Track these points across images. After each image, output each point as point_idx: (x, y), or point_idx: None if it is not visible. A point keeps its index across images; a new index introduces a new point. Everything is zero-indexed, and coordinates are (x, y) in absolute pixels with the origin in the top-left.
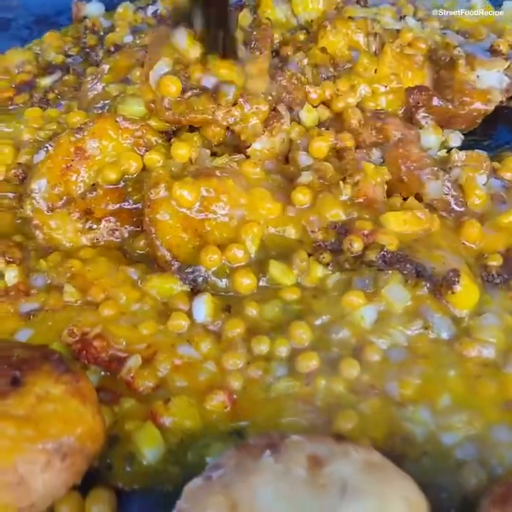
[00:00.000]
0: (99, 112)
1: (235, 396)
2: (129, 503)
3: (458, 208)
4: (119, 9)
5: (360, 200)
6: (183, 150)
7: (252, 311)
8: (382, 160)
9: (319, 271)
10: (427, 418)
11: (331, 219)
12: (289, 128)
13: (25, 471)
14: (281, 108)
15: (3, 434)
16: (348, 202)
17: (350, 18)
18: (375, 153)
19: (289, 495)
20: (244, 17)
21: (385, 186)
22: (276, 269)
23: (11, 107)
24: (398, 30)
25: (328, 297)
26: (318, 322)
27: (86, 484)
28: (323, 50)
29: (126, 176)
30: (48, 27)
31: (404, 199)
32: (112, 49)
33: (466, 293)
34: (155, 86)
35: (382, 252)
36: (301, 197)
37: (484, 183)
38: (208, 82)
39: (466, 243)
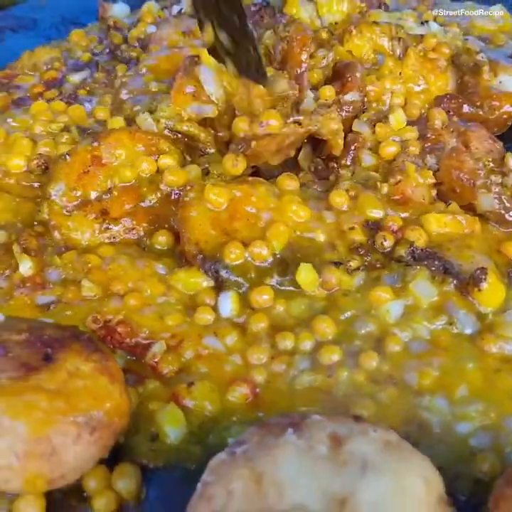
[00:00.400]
0: (134, 109)
1: (257, 389)
2: (153, 478)
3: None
4: (144, 7)
5: (397, 197)
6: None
7: (279, 308)
8: (436, 166)
9: (346, 278)
10: (443, 407)
11: (367, 217)
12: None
13: (57, 442)
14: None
15: (37, 406)
16: (384, 198)
17: (374, 22)
18: (430, 160)
19: (311, 470)
20: (269, 38)
21: (433, 192)
22: (303, 275)
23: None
24: (422, 36)
25: (355, 293)
26: (343, 317)
27: (112, 459)
28: (349, 52)
29: (140, 175)
30: (74, 27)
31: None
32: (137, 44)
33: (492, 291)
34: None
35: (412, 248)
36: (339, 199)
37: None
38: None
39: (503, 251)
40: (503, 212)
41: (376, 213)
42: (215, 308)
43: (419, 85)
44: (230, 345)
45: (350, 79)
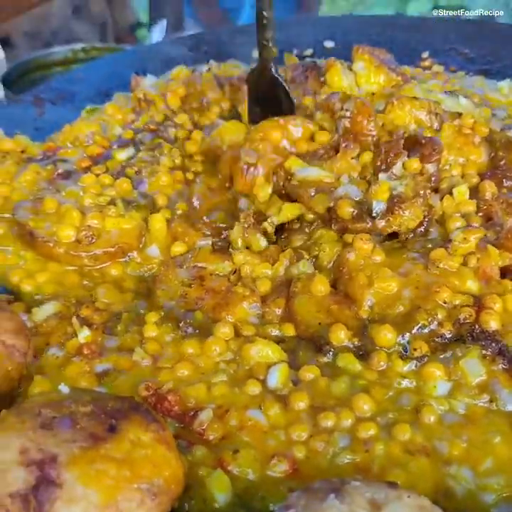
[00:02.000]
0: None
1: (296, 466)
2: None
3: None
4: (173, 71)
5: (480, 275)
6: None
7: (320, 384)
8: (496, 238)
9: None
10: (468, 477)
11: (463, 288)
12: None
13: (124, 507)
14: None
15: (106, 474)
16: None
17: (415, 97)
18: (490, 237)
19: None
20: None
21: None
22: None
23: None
24: (459, 114)
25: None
26: (388, 395)
27: None
28: (392, 122)
29: None
30: (107, 98)
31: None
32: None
33: None
34: None
35: (472, 327)
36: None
37: None
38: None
39: None
40: None
41: (472, 287)
42: (263, 382)
43: (463, 158)
44: (273, 418)
45: (435, 152)
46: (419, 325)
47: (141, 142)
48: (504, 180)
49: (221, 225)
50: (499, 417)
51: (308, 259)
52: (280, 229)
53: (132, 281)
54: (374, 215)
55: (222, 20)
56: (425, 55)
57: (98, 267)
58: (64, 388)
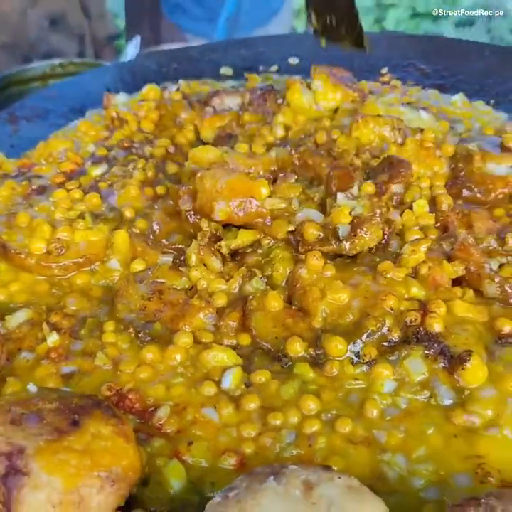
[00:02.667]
0: None
1: (244, 460)
2: None
3: None
4: (143, 90)
5: (430, 283)
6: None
7: (271, 388)
8: (451, 249)
9: (350, 369)
10: (401, 463)
11: (411, 294)
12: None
13: (85, 493)
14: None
15: (70, 463)
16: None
17: (379, 115)
18: (445, 247)
19: (287, 509)
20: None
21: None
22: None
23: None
24: (422, 129)
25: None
26: (338, 395)
27: (127, 507)
28: (357, 139)
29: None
30: (80, 115)
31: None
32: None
33: (474, 371)
34: None
35: (417, 330)
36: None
37: None
38: None
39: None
40: (508, 296)
41: (417, 293)
42: (218, 383)
43: (431, 171)
44: (225, 417)
45: (402, 173)
46: (369, 331)
47: (114, 158)
48: (463, 190)
49: (180, 246)
50: (436, 411)
51: (260, 278)
52: (235, 251)
53: (98, 289)
54: (340, 237)
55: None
56: (384, 70)
57: (67, 276)
58: (32, 387)
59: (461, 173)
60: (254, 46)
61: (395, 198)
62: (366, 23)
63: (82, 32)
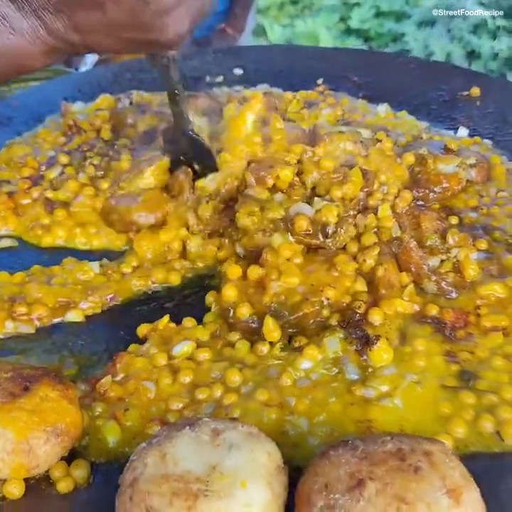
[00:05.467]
0: None
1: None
2: (98, 470)
3: (452, 296)
4: (98, 100)
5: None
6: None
7: (203, 364)
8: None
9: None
10: (303, 425)
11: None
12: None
13: (33, 443)
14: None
15: (20, 419)
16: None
17: (340, 132)
18: (393, 248)
19: (197, 450)
20: None
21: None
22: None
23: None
24: (379, 140)
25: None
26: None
27: (70, 457)
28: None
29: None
30: (40, 123)
31: None
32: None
33: (379, 353)
34: None
35: (344, 318)
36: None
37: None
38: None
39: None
40: (443, 293)
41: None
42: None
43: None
44: (162, 388)
45: (367, 180)
46: (302, 313)
47: (70, 162)
48: (420, 190)
49: None
50: (341, 384)
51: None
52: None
53: None
54: (328, 234)
55: None
56: (320, 81)
57: None
58: None
59: (419, 176)
60: (203, 57)
61: (360, 203)
62: (331, 22)
63: None
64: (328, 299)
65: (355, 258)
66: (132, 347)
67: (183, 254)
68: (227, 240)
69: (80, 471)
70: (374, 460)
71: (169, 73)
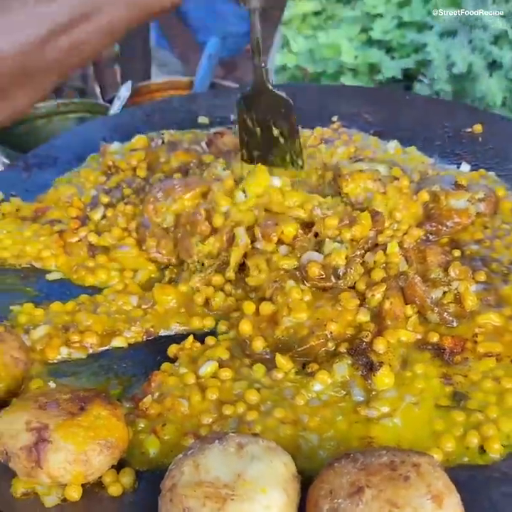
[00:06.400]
0: None
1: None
2: (142, 477)
3: (453, 324)
4: (133, 140)
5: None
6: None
7: (226, 382)
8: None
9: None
10: (314, 440)
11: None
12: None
13: (89, 454)
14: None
15: (79, 435)
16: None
17: (360, 171)
18: (400, 282)
19: (225, 460)
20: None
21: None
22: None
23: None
24: (396, 178)
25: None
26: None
27: (119, 466)
28: (346, 194)
29: None
30: (83, 162)
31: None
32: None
33: (382, 378)
34: None
35: (352, 346)
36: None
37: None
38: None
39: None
40: (445, 323)
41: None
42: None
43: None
44: (193, 404)
45: (377, 221)
46: (309, 345)
47: (111, 202)
48: (431, 224)
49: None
50: (347, 403)
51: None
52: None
53: None
54: (340, 276)
55: (196, 52)
56: (335, 118)
57: None
58: (52, 384)
59: (432, 212)
60: (226, 96)
61: (369, 241)
62: (353, 33)
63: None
64: (331, 332)
65: (363, 294)
66: (165, 365)
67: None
68: (240, 290)
69: (127, 478)
70: (371, 470)
71: (253, 21)
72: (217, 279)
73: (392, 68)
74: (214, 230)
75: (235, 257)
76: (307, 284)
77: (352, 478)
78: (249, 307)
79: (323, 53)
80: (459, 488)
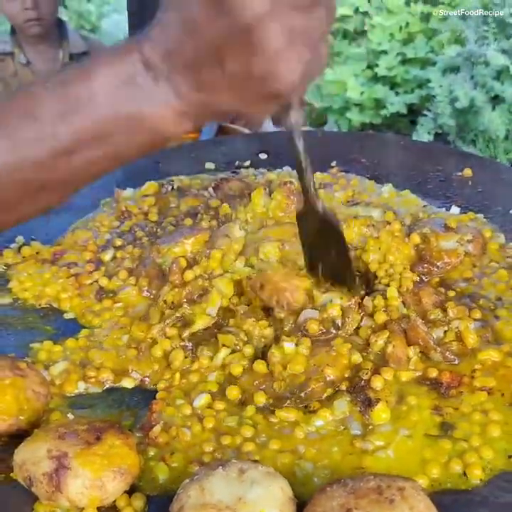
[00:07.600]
0: None
1: None
2: (152, 501)
3: (455, 362)
4: (144, 187)
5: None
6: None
7: (220, 413)
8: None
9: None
10: (309, 468)
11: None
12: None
13: (104, 480)
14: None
15: (95, 462)
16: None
17: (355, 217)
18: (402, 325)
19: (227, 485)
20: None
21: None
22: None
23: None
24: (389, 222)
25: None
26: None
27: (131, 491)
28: None
29: None
30: (97, 208)
31: None
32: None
33: (379, 413)
34: None
35: (352, 385)
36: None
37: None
38: None
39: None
40: (447, 361)
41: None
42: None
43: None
44: (195, 433)
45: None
46: (310, 389)
47: (123, 245)
48: (422, 266)
49: None
50: (345, 437)
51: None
52: None
53: None
54: (339, 327)
55: None
56: (333, 163)
57: None
58: (70, 416)
59: (423, 253)
60: (232, 143)
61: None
62: (359, 69)
63: None
64: (329, 376)
65: (367, 339)
66: (160, 394)
67: None
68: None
69: (138, 502)
70: (359, 494)
71: (293, 141)
72: (174, 334)
73: (396, 103)
74: (183, 283)
75: (200, 324)
76: (309, 341)
77: (342, 500)
78: (236, 369)
79: (329, 89)
80: (442, 511)
